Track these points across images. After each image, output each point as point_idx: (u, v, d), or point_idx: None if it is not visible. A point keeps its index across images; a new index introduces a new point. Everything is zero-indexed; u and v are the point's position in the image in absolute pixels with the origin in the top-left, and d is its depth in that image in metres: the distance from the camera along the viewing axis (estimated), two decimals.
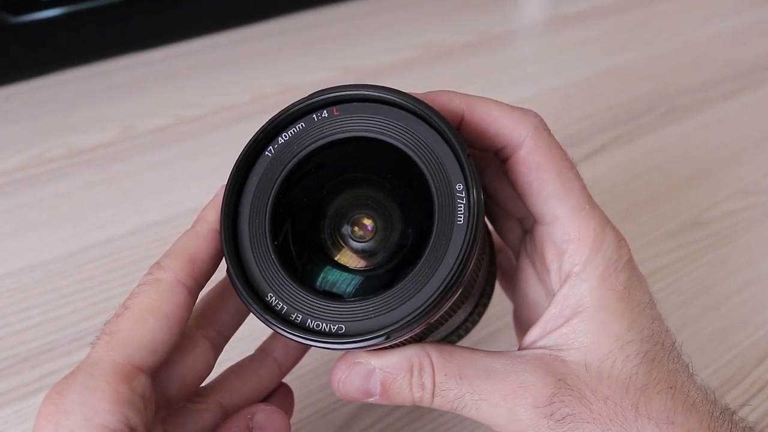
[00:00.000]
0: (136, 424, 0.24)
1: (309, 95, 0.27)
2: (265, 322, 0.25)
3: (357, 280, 0.27)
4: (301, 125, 0.27)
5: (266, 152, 0.27)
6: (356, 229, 0.28)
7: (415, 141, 0.26)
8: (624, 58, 0.74)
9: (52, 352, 0.42)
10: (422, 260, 0.24)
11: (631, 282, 0.27)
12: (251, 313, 0.26)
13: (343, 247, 0.28)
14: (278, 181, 0.27)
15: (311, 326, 0.25)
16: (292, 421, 0.31)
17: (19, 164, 0.59)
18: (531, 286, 0.31)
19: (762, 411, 0.39)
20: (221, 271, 0.28)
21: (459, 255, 0.24)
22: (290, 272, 0.26)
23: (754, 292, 0.46)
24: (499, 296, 0.37)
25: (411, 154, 0.26)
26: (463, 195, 0.25)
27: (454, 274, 0.24)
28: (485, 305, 0.33)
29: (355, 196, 0.29)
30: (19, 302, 0.46)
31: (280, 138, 0.27)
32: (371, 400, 0.27)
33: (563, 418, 0.25)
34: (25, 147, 0.61)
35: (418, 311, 0.24)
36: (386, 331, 0.24)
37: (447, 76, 0.72)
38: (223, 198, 0.27)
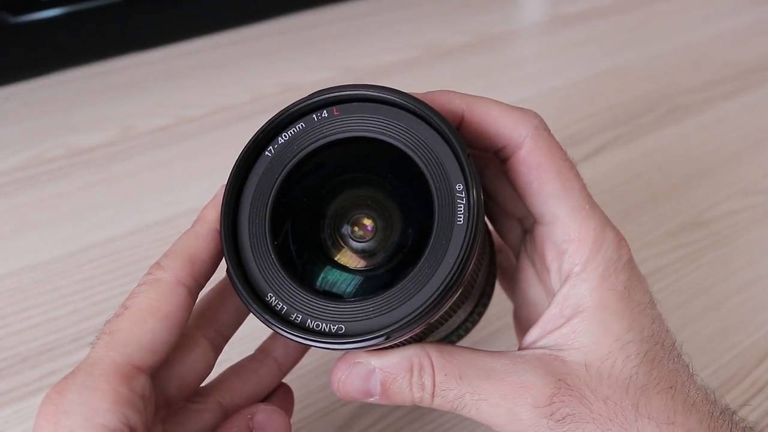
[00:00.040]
0: (135, 424, 0.24)
1: (309, 95, 0.27)
2: (265, 322, 0.25)
3: (357, 280, 0.27)
4: (301, 125, 0.27)
5: (266, 152, 0.27)
6: (356, 229, 0.28)
7: (415, 141, 0.26)
8: (624, 58, 0.74)
9: (52, 352, 0.42)
10: (422, 260, 0.24)
11: (632, 282, 0.27)
12: (251, 313, 0.26)
13: (343, 247, 0.28)
14: (278, 181, 0.27)
15: (311, 326, 0.25)
16: (292, 421, 0.31)
17: (19, 164, 0.59)
18: (531, 286, 0.31)
19: (762, 411, 0.39)
20: (221, 271, 0.28)
21: (459, 255, 0.24)
22: (290, 272, 0.26)
23: (754, 292, 0.46)
24: (499, 296, 0.37)
25: (411, 154, 0.26)
26: (463, 195, 0.25)
27: (454, 274, 0.24)
28: (485, 305, 0.33)
29: (355, 196, 0.29)
30: (19, 302, 0.46)
31: (280, 138, 0.27)
32: (371, 400, 0.27)
33: (563, 418, 0.25)
34: (25, 147, 0.61)
35: (418, 311, 0.24)
36: (386, 331, 0.24)
37: (447, 76, 0.72)
38: (223, 198, 0.27)
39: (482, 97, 0.28)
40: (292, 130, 0.27)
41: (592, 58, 0.75)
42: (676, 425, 0.25)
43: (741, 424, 0.27)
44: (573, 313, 0.27)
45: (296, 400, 0.34)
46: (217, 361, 0.30)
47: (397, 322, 0.24)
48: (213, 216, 0.27)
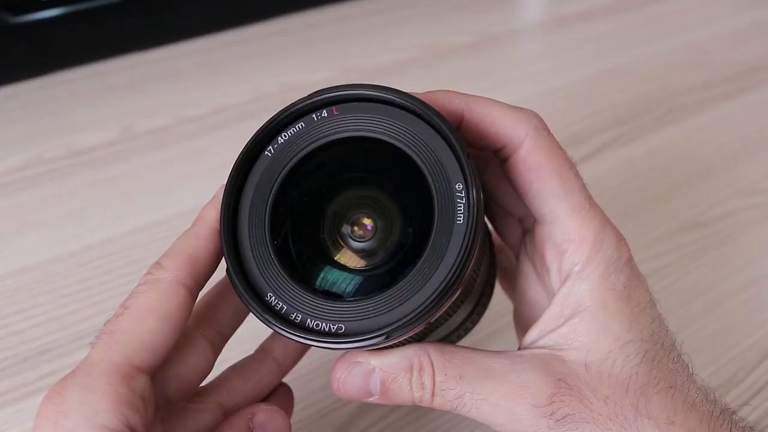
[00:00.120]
0: (135, 424, 0.24)
1: (309, 95, 0.27)
2: (265, 321, 0.25)
3: (357, 279, 0.27)
4: (300, 125, 0.27)
5: (266, 152, 0.27)
6: (356, 228, 0.28)
7: (415, 140, 0.26)
8: (624, 58, 0.74)
9: (52, 352, 0.42)
10: (422, 260, 0.24)
11: (631, 282, 0.27)
12: (251, 313, 0.26)
13: (342, 246, 0.28)
14: (278, 181, 0.27)
15: (311, 326, 0.25)
16: (292, 421, 0.31)
17: (19, 164, 0.59)
18: (531, 285, 0.31)
19: (762, 411, 0.39)
20: (221, 270, 0.28)
21: (459, 254, 0.24)
22: (290, 272, 0.26)
23: (754, 292, 0.46)
24: (499, 296, 0.37)
25: (411, 153, 0.26)
26: (463, 195, 0.25)
27: (453, 274, 0.24)
28: (485, 305, 0.33)
29: (354, 195, 0.29)
30: (19, 302, 0.46)
31: (279, 138, 0.27)
32: (371, 399, 0.27)
33: (563, 417, 0.25)
34: (25, 147, 0.61)
35: (418, 311, 0.24)
36: (386, 330, 0.24)
37: (447, 76, 0.72)
38: (222, 198, 0.27)
39: (482, 97, 0.28)
40: (291, 130, 0.27)
41: (592, 58, 0.75)
42: (675, 425, 0.25)
43: (741, 424, 0.27)
44: (573, 313, 0.27)
45: (296, 400, 0.34)
46: (217, 361, 0.30)
47: (396, 321, 0.24)
48: (213, 216, 0.27)
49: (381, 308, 0.24)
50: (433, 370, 0.26)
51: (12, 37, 0.69)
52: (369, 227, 0.28)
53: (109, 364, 0.24)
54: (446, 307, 0.25)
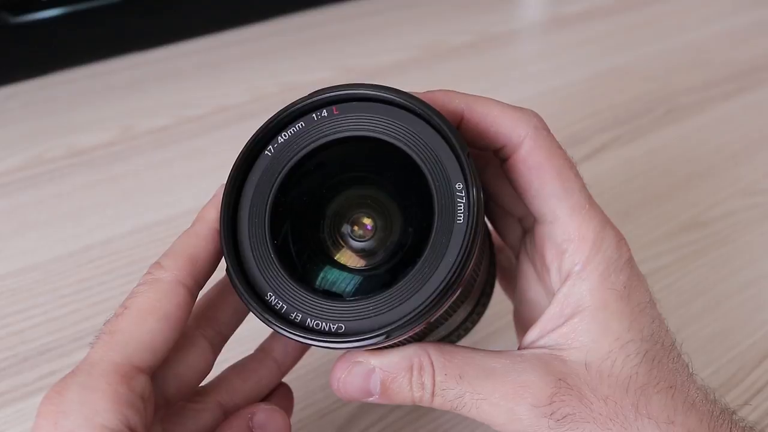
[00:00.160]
0: (135, 424, 0.24)
1: (308, 94, 0.27)
2: (265, 321, 0.25)
3: (357, 279, 0.27)
4: (300, 124, 0.27)
5: (266, 151, 0.27)
6: (356, 228, 0.28)
7: (415, 140, 0.26)
8: (624, 58, 0.74)
9: (52, 352, 0.42)
10: (422, 259, 0.24)
11: (631, 281, 0.27)
12: (251, 313, 0.26)
13: (342, 246, 0.28)
14: (278, 181, 0.27)
15: (311, 325, 0.25)
16: (292, 421, 0.31)
17: (19, 164, 0.59)
18: (531, 285, 0.31)
19: (762, 411, 0.39)
20: (220, 270, 0.28)
21: (459, 254, 0.24)
22: (290, 271, 0.26)
23: (754, 292, 0.46)
24: (499, 296, 0.37)
25: (411, 153, 0.26)
26: (463, 194, 0.25)
27: (453, 273, 0.24)
28: (485, 305, 0.33)
29: (354, 195, 0.29)
30: (19, 302, 0.46)
31: (279, 137, 0.27)
32: (371, 399, 0.27)
33: (563, 417, 0.25)
34: (25, 147, 0.61)
35: (418, 310, 0.24)
36: (386, 330, 0.24)
37: (447, 76, 0.72)
38: (222, 197, 0.27)
39: (482, 97, 0.28)
40: (291, 130, 0.27)
41: (592, 58, 0.75)
42: (675, 424, 0.25)
43: (741, 424, 0.27)
44: (573, 313, 0.27)
45: (296, 400, 0.34)
46: (217, 361, 0.30)
47: (396, 320, 0.24)
48: (213, 215, 0.27)
49: (381, 308, 0.24)
50: (433, 370, 0.26)
51: (12, 37, 0.69)
52: (369, 227, 0.28)
53: (109, 364, 0.24)
54: (446, 307, 0.25)
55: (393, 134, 0.26)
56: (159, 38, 0.77)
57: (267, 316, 0.25)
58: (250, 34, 0.80)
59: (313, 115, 0.27)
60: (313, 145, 0.27)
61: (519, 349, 0.29)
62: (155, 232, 0.51)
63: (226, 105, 0.67)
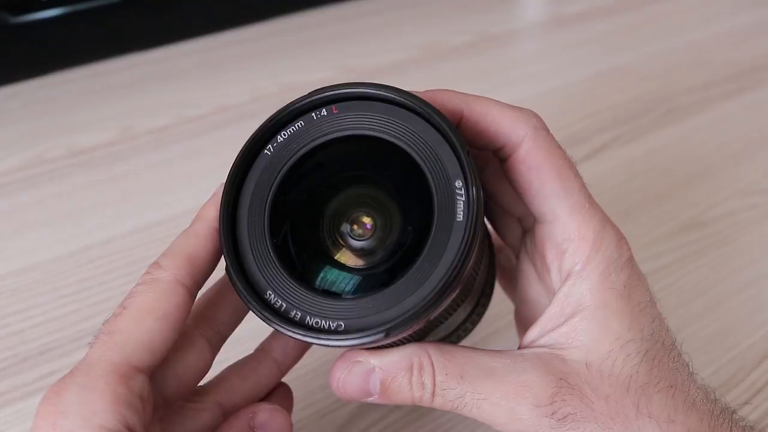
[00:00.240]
0: (134, 424, 0.23)
1: (308, 93, 0.27)
2: (264, 319, 0.25)
3: (356, 278, 0.27)
4: (300, 124, 0.27)
5: (265, 151, 0.27)
6: (355, 227, 0.28)
7: (415, 139, 0.26)
8: (624, 58, 0.74)
9: (52, 352, 0.42)
10: (421, 257, 0.24)
11: (632, 281, 0.27)
12: (250, 312, 0.26)
13: (342, 245, 0.28)
14: (277, 180, 0.27)
15: (310, 323, 0.25)
16: (292, 420, 0.31)
17: (19, 164, 0.59)
18: (531, 285, 0.31)
19: (762, 410, 0.39)
20: (220, 270, 0.28)
21: (458, 252, 0.24)
22: (289, 270, 0.26)
23: (754, 292, 0.46)
24: (499, 296, 0.36)
25: (410, 151, 0.26)
26: (463, 192, 0.25)
27: (453, 271, 0.24)
28: (485, 305, 0.33)
29: (354, 194, 0.28)
30: (19, 302, 0.46)
31: (279, 136, 0.27)
32: (371, 399, 0.27)
33: (564, 417, 0.25)
34: (25, 147, 0.61)
35: (418, 307, 0.24)
36: (385, 327, 0.24)
37: (447, 76, 0.72)
38: (222, 196, 0.27)
39: (481, 97, 0.28)
40: (291, 129, 0.27)
41: (592, 58, 0.75)
42: (676, 424, 0.25)
43: (741, 423, 0.27)
44: (573, 312, 0.27)
45: (296, 400, 0.34)
46: (216, 361, 0.30)
47: (396, 318, 0.24)
48: (212, 214, 0.27)
49: (381, 305, 0.24)
50: (434, 370, 0.26)
51: (12, 37, 0.69)
52: (368, 226, 0.28)
53: (108, 364, 0.24)
54: (446, 305, 0.25)
55: (392, 133, 0.26)
56: (159, 38, 0.77)
57: (266, 314, 0.25)
58: (250, 34, 0.80)
59: (313, 114, 0.27)
60: (312, 144, 0.27)
61: (519, 348, 0.29)
62: (155, 232, 0.51)
63: (226, 105, 0.67)
